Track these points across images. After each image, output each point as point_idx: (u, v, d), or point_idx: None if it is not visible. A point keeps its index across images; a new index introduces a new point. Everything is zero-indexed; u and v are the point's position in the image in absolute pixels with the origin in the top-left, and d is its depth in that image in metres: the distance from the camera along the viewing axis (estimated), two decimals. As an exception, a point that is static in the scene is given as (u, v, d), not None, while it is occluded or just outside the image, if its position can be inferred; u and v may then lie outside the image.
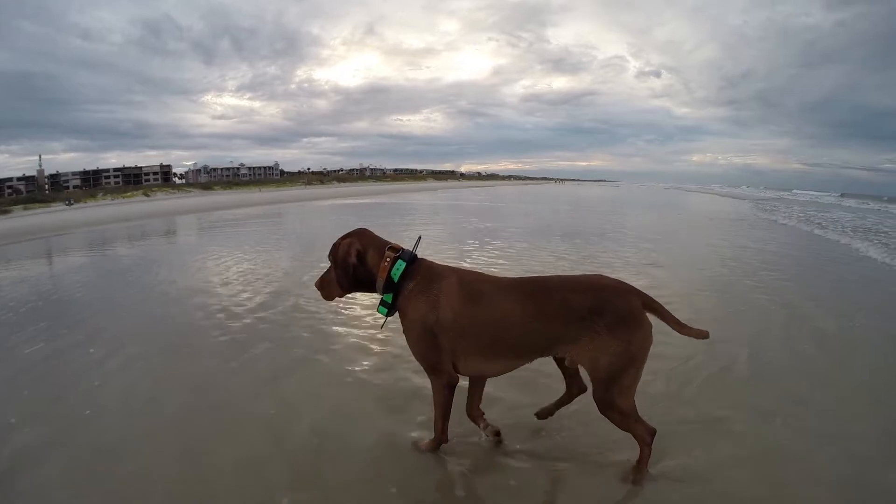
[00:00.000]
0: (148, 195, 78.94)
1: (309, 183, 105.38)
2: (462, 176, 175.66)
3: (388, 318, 2.97)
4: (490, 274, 3.02)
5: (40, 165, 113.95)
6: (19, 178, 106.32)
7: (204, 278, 8.80)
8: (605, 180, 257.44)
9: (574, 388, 3.24)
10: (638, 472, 2.85)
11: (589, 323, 2.61)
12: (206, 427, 3.62)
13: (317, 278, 3.10)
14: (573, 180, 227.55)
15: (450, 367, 2.83)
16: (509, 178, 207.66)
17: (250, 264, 9.88)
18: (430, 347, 2.80)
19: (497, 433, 3.24)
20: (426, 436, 3.24)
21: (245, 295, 7.25)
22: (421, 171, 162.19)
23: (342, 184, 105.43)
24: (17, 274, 10.50)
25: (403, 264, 2.83)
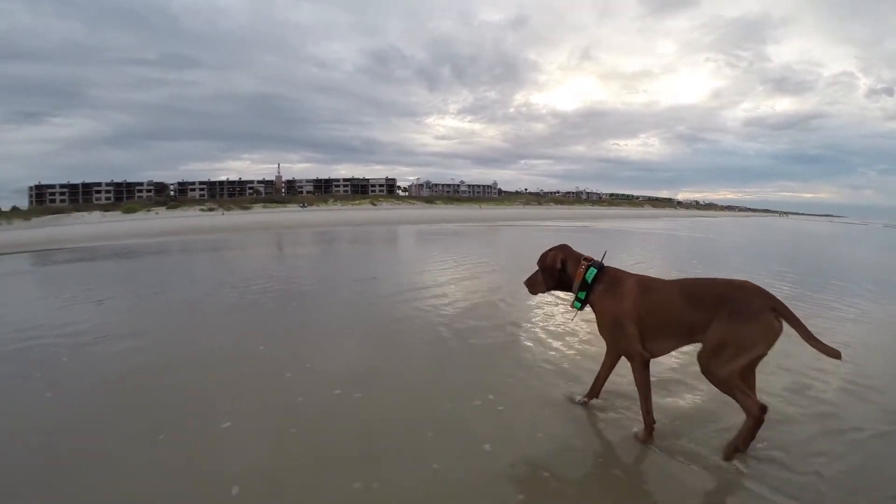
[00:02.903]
0: (374, 204, 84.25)
1: (527, 203, 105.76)
2: (679, 204, 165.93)
3: (580, 312, 3.71)
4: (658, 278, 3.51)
5: (279, 172, 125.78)
6: (259, 182, 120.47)
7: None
8: (831, 215, 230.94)
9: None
10: (742, 439, 3.08)
11: (718, 309, 3.03)
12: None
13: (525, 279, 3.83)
14: (797, 213, 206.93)
15: (639, 348, 3.34)
16: (727, 208, 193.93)
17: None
18: (620, 335, 3.38)
19: (585, 403, 3.83)
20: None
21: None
22: (637, 197, 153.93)
23: (559, 205, 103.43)
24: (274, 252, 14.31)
25: (594, 270, 3.52)
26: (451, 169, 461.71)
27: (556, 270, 3.62)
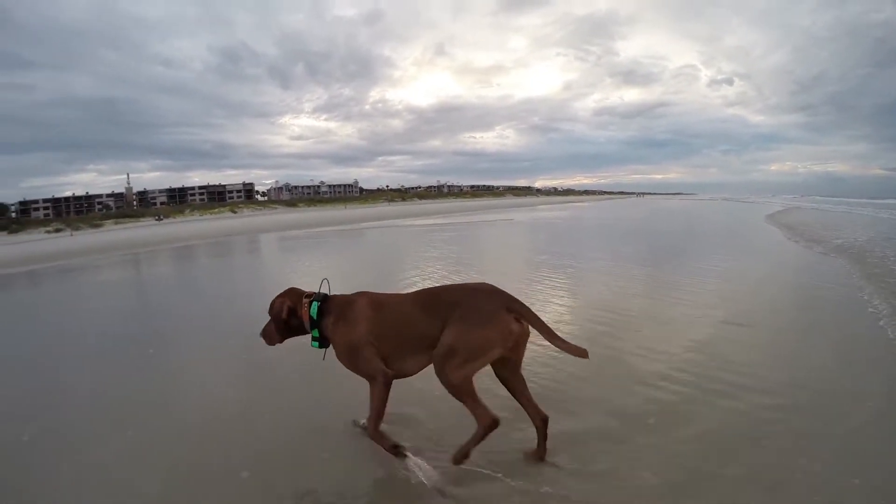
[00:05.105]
0: (234, 211, 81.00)
1: (391, 200, 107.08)
2: (538, 192, 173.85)
3: (327, 350, 3.48)
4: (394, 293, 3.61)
5: (128, 183, 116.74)
6: (108, 195, 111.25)
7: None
8: (681, 193, 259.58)
9: (538, 418, 3.32)
10: (464, 448, 3.11)
11: (451, 312, 3.08)
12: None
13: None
14: (650, 194, 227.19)
15: (381, 366, 3.25)
16: (585, 192, 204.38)
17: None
18: (358, 359, 3.29)
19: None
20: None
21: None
22: (498, 188, 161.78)
23: (423, 200, 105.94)
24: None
25: (316, 304, 3.41)
26: (308, 170, 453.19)
27: (285, 320, 3.47)
